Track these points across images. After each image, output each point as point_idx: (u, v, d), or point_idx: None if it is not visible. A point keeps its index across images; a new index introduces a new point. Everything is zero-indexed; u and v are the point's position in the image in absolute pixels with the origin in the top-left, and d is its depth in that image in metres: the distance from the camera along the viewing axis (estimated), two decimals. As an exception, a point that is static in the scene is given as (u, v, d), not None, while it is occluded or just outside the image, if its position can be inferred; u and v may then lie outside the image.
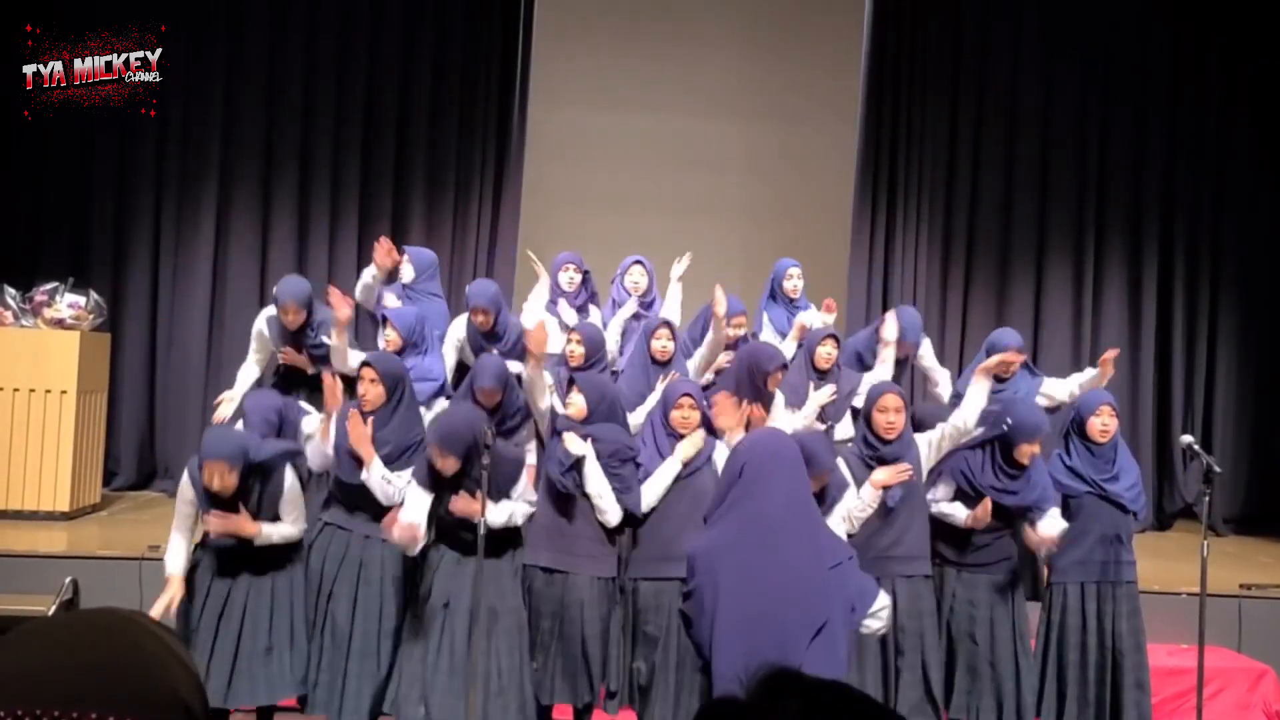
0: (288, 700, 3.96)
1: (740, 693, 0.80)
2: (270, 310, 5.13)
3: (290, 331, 4.97)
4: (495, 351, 4.80)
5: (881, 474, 3.88)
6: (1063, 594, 4.15)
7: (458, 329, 5.18)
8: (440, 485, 3.71)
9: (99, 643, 0.76)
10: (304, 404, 4.49)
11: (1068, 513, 4.16)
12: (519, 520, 3.84)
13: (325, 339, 4.84)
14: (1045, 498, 4.02)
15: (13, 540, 5.17)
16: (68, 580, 4.44)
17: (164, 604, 3.66)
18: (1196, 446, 4.45)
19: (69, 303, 5.89)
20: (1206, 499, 4.23)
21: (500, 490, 3.76)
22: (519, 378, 4.45)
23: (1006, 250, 7.74)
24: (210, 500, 3.68)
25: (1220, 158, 7.75)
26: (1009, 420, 4.01)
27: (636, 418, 4.58)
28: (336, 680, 3.82)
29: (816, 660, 2.52)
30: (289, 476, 3.80)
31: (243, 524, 3.68)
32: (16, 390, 5.75)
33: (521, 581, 3.90)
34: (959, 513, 4.05)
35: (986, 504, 3.95)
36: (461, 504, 3.67)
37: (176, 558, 3.74)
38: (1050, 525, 3.98)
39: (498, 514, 3.73)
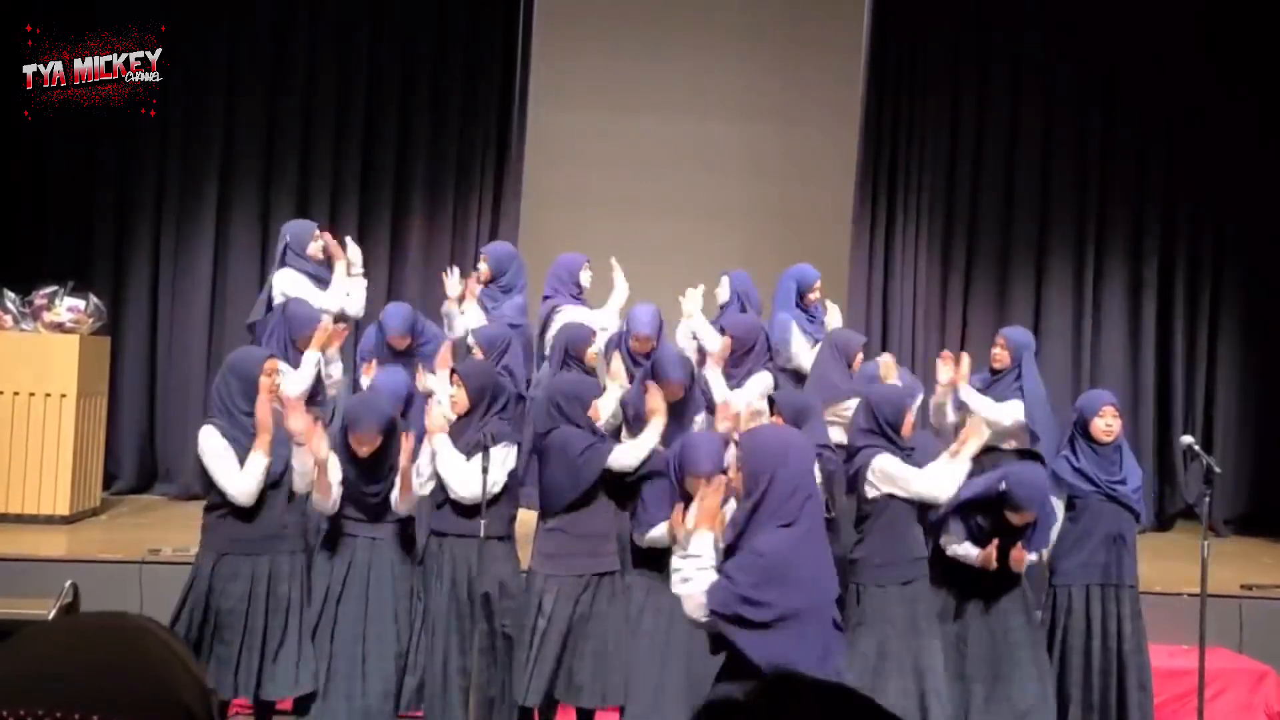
0: (284, 702, 3.97)
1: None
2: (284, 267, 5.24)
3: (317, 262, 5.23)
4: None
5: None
6: (1066, 596, 4.16)
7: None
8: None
9: (104, 646, 0.77)
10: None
11: (1072, 513, 4.17)
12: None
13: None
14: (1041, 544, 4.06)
15: (13, 544, 5.16)
16: (68, 584, 4.41)
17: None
18: (1197, 447, 4.47)
19: (68, 306, 5.88)
20: (1207, 499, 4.25)
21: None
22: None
23: (1007, 251, 7.74)
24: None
25: (1222, 156, 7.74)
26: (1004, 484, 3.95)
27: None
28: (355, 685, 3.83)
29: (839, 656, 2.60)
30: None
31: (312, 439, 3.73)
32: (16, 394, 5.74)
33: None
34: (972, 553, 4.03)
35: (992, 551, 3.93)
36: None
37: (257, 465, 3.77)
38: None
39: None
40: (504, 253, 5.65)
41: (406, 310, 5.18)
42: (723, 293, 5.59)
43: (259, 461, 3.73)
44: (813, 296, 5.57)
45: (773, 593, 2.56)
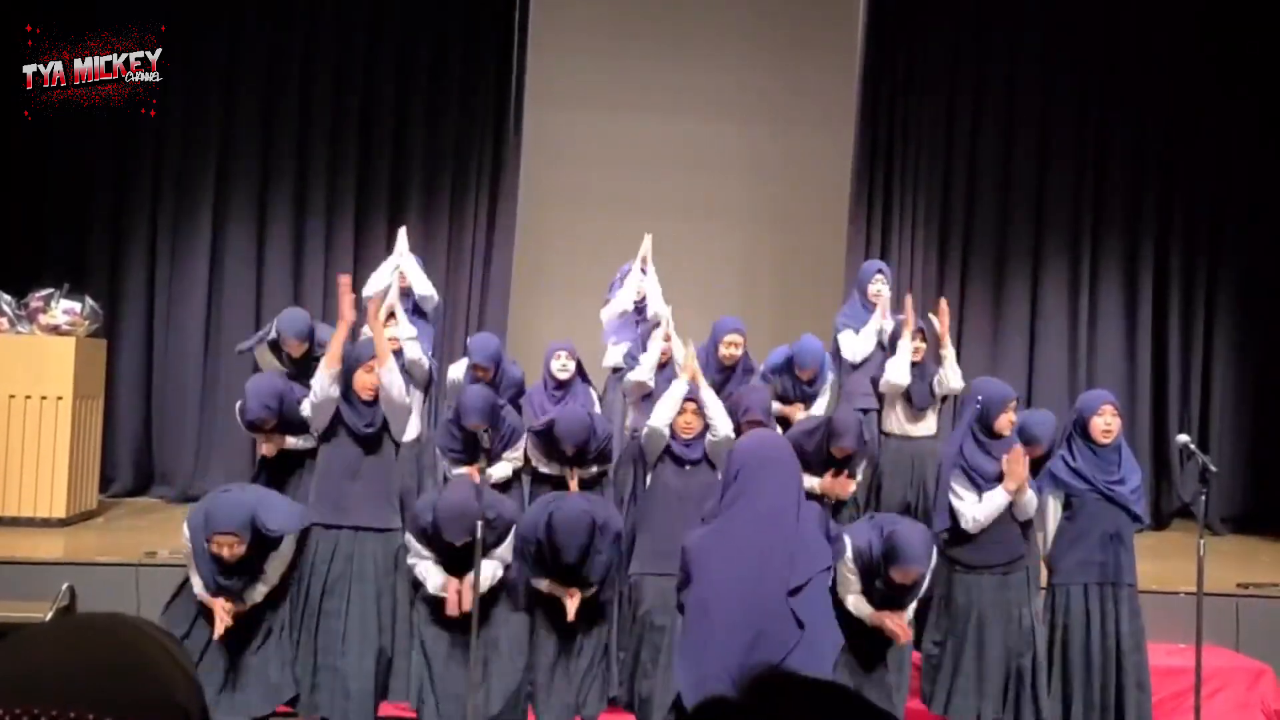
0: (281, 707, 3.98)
1: (722, 687, 0.80)
2: (266, 340, 5.20)
3: (294, 359, 5.00)
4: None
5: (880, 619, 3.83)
6: (1065, 596, 4.16)
7: (457, 373, 5.28)
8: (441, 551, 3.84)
9: (99, 645, 0.77)
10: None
11: (1069, 512, 4.17)
12: (496, 576, 3.90)
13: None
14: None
15: (10, 546, 5.15)
16: (65, 586, 4.42)
17: (221, 618, 3.72)
18: (1193, 446, 4.46)
19: (64, 309, 5.87)
20: (1203, 498, 4.25)
21: (489, 548, 3.83)
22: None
23: (1003, 251, 7.74)
24: (215, 563, 3.72)
25: (1221, 156, 7.74)
26: (980, 397, 4.07)
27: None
28: (336, 678, 3.84)
29: (802, 661, 2.56)
30: (289, 541, 3.87)
31: (237, 612, 3.76)
32: (12, 397, 5.74)
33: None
34: (998, 498, 4.02)
35: (1017, 454, 3.96)
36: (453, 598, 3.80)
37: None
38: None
39: (484, 572, 3.82)
40: (494, 348, 5.22)
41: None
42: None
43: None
44: (802, 374, 5.26)
45: (688, 583, 2.73)
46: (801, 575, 2.63)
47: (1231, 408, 7.69)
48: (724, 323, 5.25)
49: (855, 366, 5.33)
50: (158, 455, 7.15)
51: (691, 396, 4.15)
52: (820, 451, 4.48)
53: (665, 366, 4.94)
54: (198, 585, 3.77)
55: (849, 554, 3.83)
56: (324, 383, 3.98)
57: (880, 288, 5.58)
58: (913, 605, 3.92)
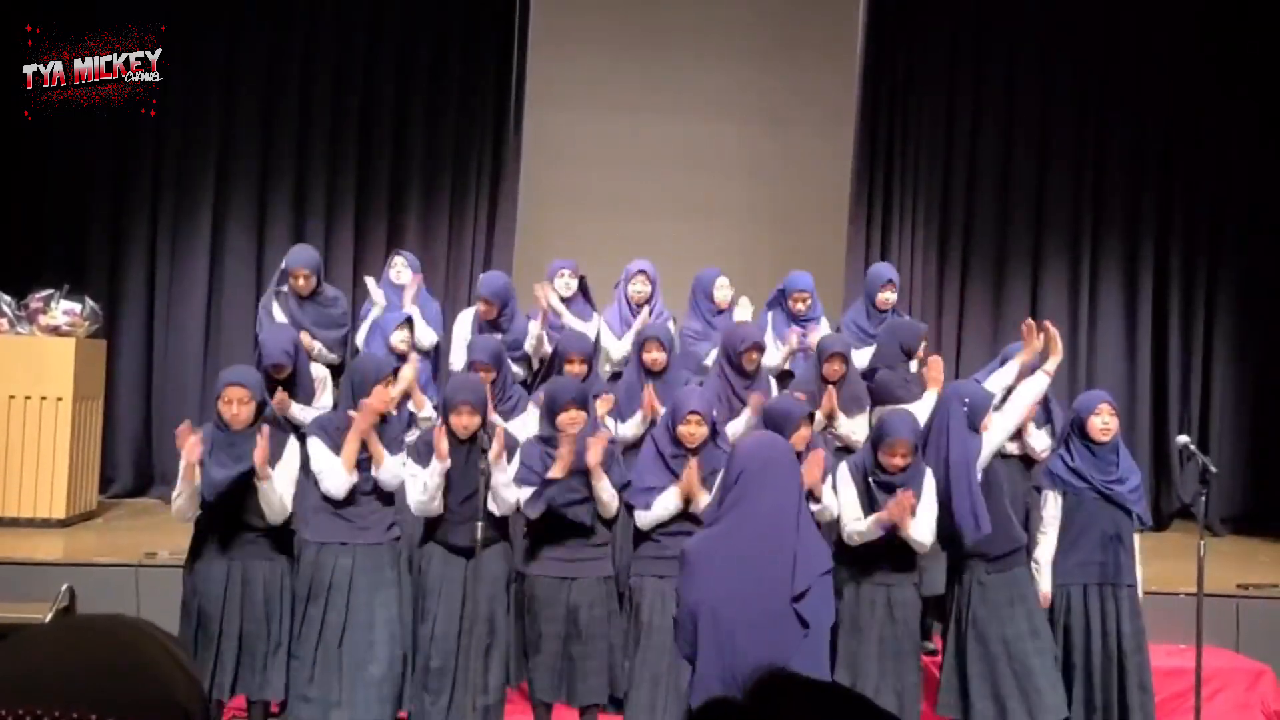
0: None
1: (727, 692, 0.80)
2: (272, 290, 5.22)
3: (302, 297, 5.05)
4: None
5: (886, 513, 3.76)
6: (1065, 597, 4.16)
7: (465, 322, 5.29)
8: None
9: (100, 646, 0.77)
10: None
11: (1069, 511, 4.18)
12: (510, 501, 3.87)
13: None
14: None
15: (9, 547, 5.16)
16: (64, 587, 4.42)
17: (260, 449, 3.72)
18: (1193, 447, 4.47)
19: (64, 309, 5.88)
20: (1203, 499, 4.26)
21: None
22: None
23: (1003, 251, 7.74)
24: (221, 430, 3.76)
25: (1221, 156, 7.75)
26: (966, 400, 4.08)
27: (628, 429, 4.64)
28: (364, 685, 3.85)
29: (803, 663, 2.56)
30: (293, 451, 3.88)
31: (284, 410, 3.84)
32: (12, 397, 5.74)
33: (517, 590, 3.97)
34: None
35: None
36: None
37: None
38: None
39: (501, 479, 3.81)
40: (501, 284, 5.34)
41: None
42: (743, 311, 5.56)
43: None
44: (797, 307, 5.42)
45: (683, 587, 2.75)
46: (804, 580, 2.63)
47: (1231, 408, 7.69)
48: (707, 272, 5.46)
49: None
50: (158, 456, 7.15)
51: (697, 409, 4.03)
52: (815, 378, 4.69)
53: (662, 373, 4.84)
54: (187, 490, 3.77)
55: (845, 470, 3.88)
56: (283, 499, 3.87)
57: (889, 295, 5.58)
58: (930, 482, 3.86)
